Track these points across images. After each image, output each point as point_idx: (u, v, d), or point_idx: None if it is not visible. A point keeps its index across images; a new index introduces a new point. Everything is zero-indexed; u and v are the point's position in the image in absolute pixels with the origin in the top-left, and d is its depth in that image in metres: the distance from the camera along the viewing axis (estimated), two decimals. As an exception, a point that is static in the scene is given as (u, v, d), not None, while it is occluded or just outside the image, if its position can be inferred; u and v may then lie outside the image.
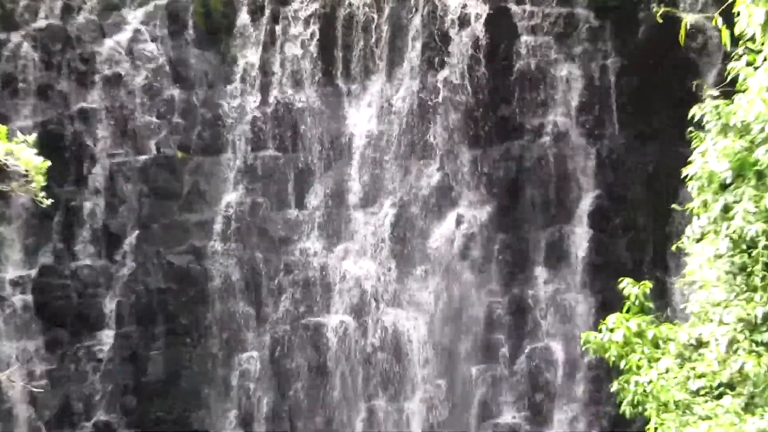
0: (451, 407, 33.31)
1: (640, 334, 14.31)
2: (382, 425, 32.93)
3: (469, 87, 32.50)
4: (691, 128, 15.00)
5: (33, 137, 15.63)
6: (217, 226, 33.39)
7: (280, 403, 33.46)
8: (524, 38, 32.63)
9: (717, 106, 14.16)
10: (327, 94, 33.31)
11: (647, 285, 14.88)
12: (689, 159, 14.45)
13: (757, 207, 13.24)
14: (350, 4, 32.80)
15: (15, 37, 31.75)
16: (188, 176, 33.36)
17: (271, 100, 33.04)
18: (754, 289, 13.37)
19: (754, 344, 13.20)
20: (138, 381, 33.04)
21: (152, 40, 32.55)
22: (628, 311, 14.73)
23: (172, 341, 33.25)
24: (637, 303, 14.77)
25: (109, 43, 32.58)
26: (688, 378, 13.65)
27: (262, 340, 33.43)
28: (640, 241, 32.87)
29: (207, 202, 33.30)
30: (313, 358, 33.28)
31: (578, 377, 33.01)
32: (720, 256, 13.88)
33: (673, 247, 15.57)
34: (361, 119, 32.70)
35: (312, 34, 32.76)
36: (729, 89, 14.35)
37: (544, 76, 32.59)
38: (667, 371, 13.76)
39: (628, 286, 14.90)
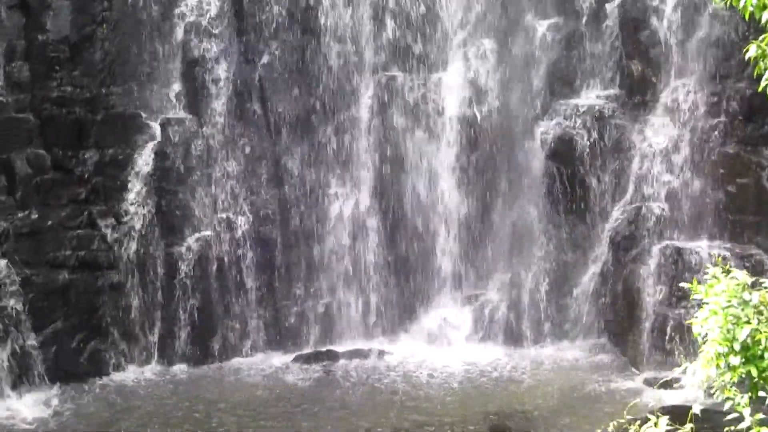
0: (503, 79, 26.87)
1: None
2: (402, 101, 27.00)
3: None
4: None
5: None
6: None
7: (247, 71, 26.79)
8: None
9: None
10: None
11: None
12: None
13: None
14: None
15: None
16: None
17: None
18: None
19: None
20: (31, 40, 25.64)
21: None
22: None
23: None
24: None
25: None
26: None
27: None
28: None
29: None
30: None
31: (696, 38, 25.27)
32: None
33: None
34: None
35: None
36: None
37: None
38: None
39: None
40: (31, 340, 24.41)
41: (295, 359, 25.93)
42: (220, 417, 23.01)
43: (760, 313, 9.49)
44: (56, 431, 22.41)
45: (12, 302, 24.14)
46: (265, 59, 26.47)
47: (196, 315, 25.94)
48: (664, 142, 25.29)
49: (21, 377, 24.15)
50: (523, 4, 26.50)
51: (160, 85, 26.45)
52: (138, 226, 25.76)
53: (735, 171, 24.54)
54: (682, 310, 23.14)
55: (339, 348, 26.28)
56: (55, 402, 23.84)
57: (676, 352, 22.64)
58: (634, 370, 24.23)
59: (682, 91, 25.24)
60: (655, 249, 24.72)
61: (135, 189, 25.82)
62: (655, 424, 8.47)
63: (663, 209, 25.03)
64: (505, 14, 26.58)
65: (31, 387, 24.21)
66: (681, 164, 25.10)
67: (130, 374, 25.52)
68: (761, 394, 9.30)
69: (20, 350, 24.17)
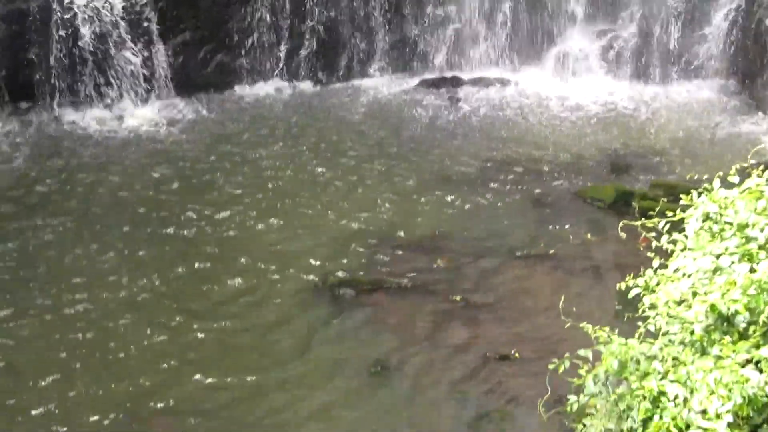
0: None
1: None
2: None
3: None
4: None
5: None
6: None
7: None
8: None
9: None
10: None
11: None
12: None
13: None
14: None
15: None
16: None
17: None
18: None
19: None
20: None
21: None
22: None
23: None
24: None
25: None
26: None
27: None
28: None
29: None
30: None
31: None
32: None
33: None
34: None
35: None
36: None
37: None
38: None
39: None
40: (159, 50, 24.58)
41: (420, 83, 26.05)
42: (343, 130, 23.52)
43: None
44: (180, 140, 22.98)
45: (141, 10, 24.28)
46: None
47: (323, 33, 25.93)
48: None
49: (148, 86, 24.46)
50: None
51: None
52: (270, -60, 25.21)
53: None
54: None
55: (464, 75, 26.28)
56: (180, 112, 24.28)
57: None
58: (760, 114, 23.92)
59: None
60: (794, -8, 23.64)
61: None
62: (779, 171, 8.19)
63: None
64: None
65: (157, 96, 24.62)
66: None
67: (254, 89, 25.71)
68: None
69: (148, 60, 24.37)
